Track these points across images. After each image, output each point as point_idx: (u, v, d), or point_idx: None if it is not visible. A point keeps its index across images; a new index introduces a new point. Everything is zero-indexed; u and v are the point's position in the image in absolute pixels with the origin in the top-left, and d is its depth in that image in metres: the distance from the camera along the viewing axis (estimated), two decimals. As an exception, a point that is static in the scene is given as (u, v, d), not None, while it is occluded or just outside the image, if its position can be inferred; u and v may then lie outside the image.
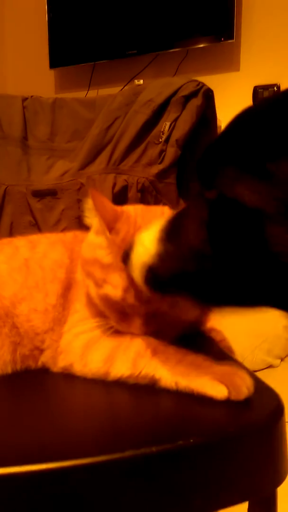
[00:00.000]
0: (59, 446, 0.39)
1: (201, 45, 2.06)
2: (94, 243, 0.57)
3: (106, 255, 0.55)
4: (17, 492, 0.35)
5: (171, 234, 0.42)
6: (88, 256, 0.57)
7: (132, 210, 0.59)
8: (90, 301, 0.59)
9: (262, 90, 2.02)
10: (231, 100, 1.98)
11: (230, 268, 0.37)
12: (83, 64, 2.19)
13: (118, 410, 0.49)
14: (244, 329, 1.71)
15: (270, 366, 1.72)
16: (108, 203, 0.57)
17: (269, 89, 2.05)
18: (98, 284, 0.54)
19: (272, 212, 0.31)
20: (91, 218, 0.57)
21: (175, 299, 0.53)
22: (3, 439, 0.40)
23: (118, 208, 0.58)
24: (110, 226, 0.55)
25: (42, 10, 2.20)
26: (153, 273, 0.43)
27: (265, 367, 1.73)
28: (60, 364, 0.57)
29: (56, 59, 2.23)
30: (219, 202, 0.35)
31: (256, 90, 2.05)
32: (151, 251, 0.43)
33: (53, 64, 2.23)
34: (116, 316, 0.54)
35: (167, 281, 0.43)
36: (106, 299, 0.54)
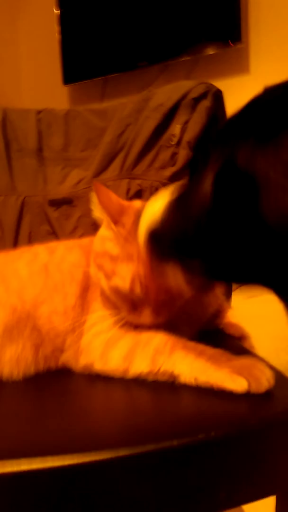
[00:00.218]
0: (83, 440, 0.39)
1: (210, 51, 2.07)
2: (104, 236, 0.58)
3: (113, 247, 0.56)
4: (42, 485, 0.35)
5: (177, 204, 0.43)
6: (99, 249, 0.58)
7: (139, 203, 0.60)
8: (103, 294, 0.60)
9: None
10: (242, 103, 1.98)
11: (228, 241, 0.37)
12: (95, 79, 2.23)
13: (139, 406, 0.49)
14: (268, 331, 1.68)
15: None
16: (114, 197, 0.58)
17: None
18: (108, 276, 0.55)
19: (273, 179, 0.31)
20: (99, 212, 0.58)
21: (180, 288, 0.53)
22: (30, 435, 0.41)
23: (125, 202, 0.59)
24: (115, 219, 0.56)
25: (53, 30, 2.26)
26: (156, 238, 0.44)
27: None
28: (81, 363, 0.58)
29: (69, 76, 2.28)
30: (223, 174, 0.36)
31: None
32: (157, 217, 0.44)
33: (67, 80, 2.28)
34: (127, 307, 0.55)
35: (167, 248, 0.43)
36: (116, 291, 0.55)
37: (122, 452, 0.36)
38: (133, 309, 0.56)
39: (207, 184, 0.37)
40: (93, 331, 0.59)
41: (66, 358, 0.61)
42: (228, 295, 0.89)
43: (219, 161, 0.36)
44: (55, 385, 0.56)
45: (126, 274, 0.54)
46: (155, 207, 0.45)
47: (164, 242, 0.44)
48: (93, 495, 0.36)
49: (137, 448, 0.37)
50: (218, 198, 0.36)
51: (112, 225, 0.55)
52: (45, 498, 0.35)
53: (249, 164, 0.33)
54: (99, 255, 0.58)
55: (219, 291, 0.67)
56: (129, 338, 0.55)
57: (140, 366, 0.52)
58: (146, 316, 0.55)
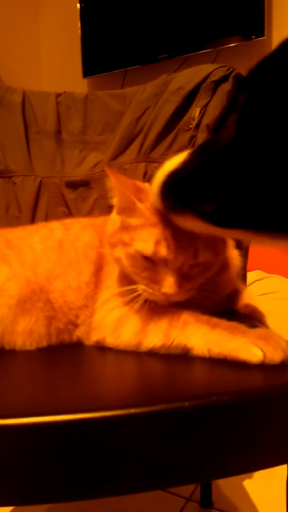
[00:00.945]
0: (94, 400, 0.40)
1: (232, 44, 2.05)
2: (116, 220, 0.58)
3: (132, 219, 0.55)
4: (54, 439, 0.36)
5: (195, 152, 0.42)
6: (113, 229, 0.58)
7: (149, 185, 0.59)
8: (120, 271, 0.60)
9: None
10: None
11: (252, 174, 0.36)
12: (115, 71, 2.24)
13: (151, 372, 0.49)
14: (280, 329, 1.66)
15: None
16: (128, 179, 0.57)
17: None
18: (127, 244, 0.54)
19: None
20: (114, 196, 0.57)
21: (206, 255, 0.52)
22: (43, 395, 0.42)
23: (139, 182, 0.59)
24: (133, 194, 0.55)
25: (75, 24, 2.28)
26: (171, 187, 0.43)
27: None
28: (93, 339, 0.58)
29: (89, 68, 2.30)
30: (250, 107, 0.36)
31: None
32: (175, 164, 0.43)
33: (86, 73, 2.29)
34: (147, 277, 0.54)
35: (183, 197, 0.42)
36: (136, 258, 0.54)
37: (133, 411, 0.36)
38: (154, 279, 0.53)
39: (230, 123, 0.37)
40: (106, 308, 0.58)
41: (79, 333, 0.61)
42: (244, 276, 0.88)
43: (242, 97, 0.36)
44: (68, 353, 0.56)
45: (149, 237, 0.52)
46: (172, 162, 0.44)
47: (180, 191, 0.43)
48: (102, 452, 0.36)
49: (148, 407, 0.36)
50: (243, 129, 0.35)
51: (134, 198, 0.55)
52: (57, 452, 0.35)
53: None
54: (114, 233, 0.57)
55: (233, 272, 0.66)
56: (141, 313, 0.55)
57: (153, 340, 0.51)
58: (168, 284, 0.51)
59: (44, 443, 0.35)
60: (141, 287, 0.54)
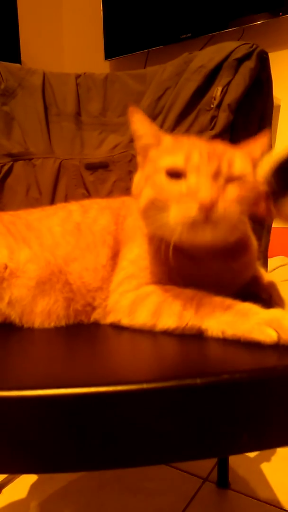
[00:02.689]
0: (108, 375, 0.40)
1: (258, 22, 1.98)
2: (139, 176, 0.58)
3: (160, 147, 0.55)
4: (73, 411, 0.37)
5: None
6: (137, 182, 0.57)
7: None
8: (141, 250, 0.59)
9: None
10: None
11: None
12: (137, 53, 2.20)
13: (165, 349, 0.49)
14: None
15: None
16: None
17: None
18: (153, 173, 0.52)
19: None
20: (137, 139, 0.57)
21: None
22: (60, 370, 0.43)
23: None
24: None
25: (97, 4, 2.25)
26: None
27: None
28: (109, 320, 0.59)
29: (111, 50, 2.27)
30: None
31: None
32: None
33: (108, 55, 2.27)
34: (179, 197, 0.48)
35: None
36: (165, 184, 0.50)
37: (146, 386, 0.36)
38: (188, 194, 0.47)
39: None
40: (120, 290, 0.59)
41: (97, 315, 0.62)
42: (265, 260, 0.86)
43: None
44: (84, 332, 0.57)
45: (178, 150, 0.50)
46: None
47: None
48: (116, 425, 0.36)
49: (160, 383, 0.37)
50: None
51: (157, 129, 0.56)
52: (72, 424, 0.37)
53: None
54: (139, 183, 0.56)
55: (254, 255, 0.64)
56: (156, 295, 0.55)
57: (167, 322, 0.51)
58: (205, 190, 0.46)
59: (60, 415, 0.36)
60: (173, 211, 0.48)
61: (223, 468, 1.03)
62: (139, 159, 0.57)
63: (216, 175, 0.48)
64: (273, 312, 0.46)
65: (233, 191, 0.49)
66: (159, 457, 0.38)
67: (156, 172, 0.51)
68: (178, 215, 0.47)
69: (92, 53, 2.35)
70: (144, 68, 2.21)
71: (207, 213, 0.46)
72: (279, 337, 0.43)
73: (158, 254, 0.53)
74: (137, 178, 0.57)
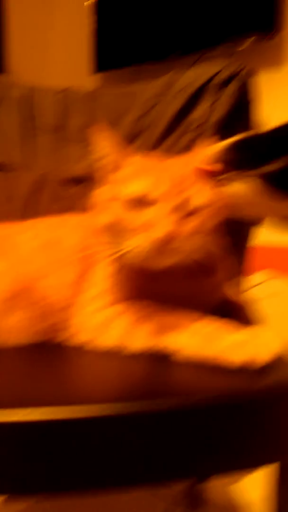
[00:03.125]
0: (75, 395, 0.40)
1: (247, 44, 2.03)
2: (102, 190, 0.57)
3: (124, 170, 0.54)
4: (31, 436, 0.36)
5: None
6: (99, 199, 0.56)
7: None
8: (104, 273, 0.58)
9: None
10: (277, 97, 1.93)
11: None
12: (127, 67, 2.22)
13: (134, 369, 0.48)
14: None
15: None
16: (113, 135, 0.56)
17: None
18: (116, 197, 0.52)
19: None
20: (100, 157, 0.57)
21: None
22: (23, 390, 0.43)
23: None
24: (123, 150, 0.56)
25: (87, 17, 2.27)
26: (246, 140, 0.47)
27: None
28: (78, 341, 0.58)
29: (102, 63, 2.29)
30: None
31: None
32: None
33: (99, 68, 2.28)
34: (140, 226, 0.49)
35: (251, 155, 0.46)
36: (125, 210, 0.50)
37: (112, 408, 0.36)
38: (148, 224, 0.48)
39: None
40: (89, 309, 0.58)
41: (64, 335, 0.60)
42: (242, 280, 0.86)
43: None
44: (51, 351, 0.56)
45: (143, 178, 0.50)
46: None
47: (251, 149, 0.46)
48: (76, 449, 0.36)
49: (129, 404, 0.36)
50: None
51: (122, 151, 0.55)
52: (35, 448, 0.36)
53: None
54: (101, 200, 0.56)
55: (224, 278, 0.64)
56: (125, 316, 0.54)
57: (138, 344, 0.51)
58: (166, 222, 0.47)
59: (27, 439, 0.36)
60: (132, 239, 0.49)
61: (193, 489, 1.02)
62: (101, 175, 0.57)
63: (177, 208, 0.49)
64: (242, 335, 0.46)
65: (193, 223, 0.50)
66: (122, 481, 0.38)
67: (117, 196, 0.51)
68: (135, 243, 0.49)
69: (81, 66, 2.36)
70: (134, 83, 2.23)
71: (164, 247, 0.47)
72: (249, 359, 0.43)
73: (122, 273, 0.54)
74: (99, 194, 0.57)
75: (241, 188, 0.48)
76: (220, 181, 0.50)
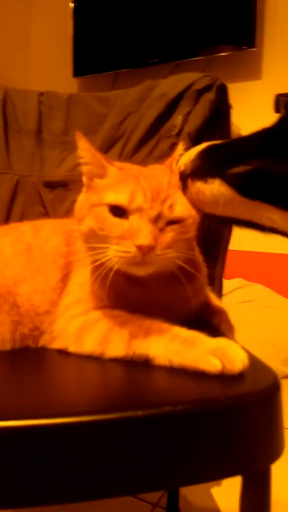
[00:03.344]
0: (50, 406, 0.40)
1: (223, 54, 2.08)
2: (84, 196, 0.57)
3: (105, 179, 0.55)
4: (15, 444, 0.36)
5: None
6: (81, 205, 0.56)
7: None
8: (86, 278, 0.59)
9: (284, 98, 2.02)
10: (252, 108, 1.99)
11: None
12: (105, 73, 2.24)
13: (111, 378, 0.49)
14: (259, 338, 1.67)
15: (287, 376, 1.67)
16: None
17: (291, 97, 2.04)
18: (96, 204, 0.53)
19: None
20: (83, 163, 0.57)
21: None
22: (2, 401, 0.41)
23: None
24: (105, 159, 0.56)
25: (66, 22, 2.27)
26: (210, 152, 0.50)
27: (282, 377, 1.67)
28: (56, 347, 0.57)
29: (80, 68, 2.30)
30: None
31: (278, 99, 2.05)
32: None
33: (77, 72, 2.29)
34: (118, 236, 0.50)
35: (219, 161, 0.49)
36: (106, 219, 0.51)
37: (86, 418, 0.36)
38: (127, 235, 0.49)
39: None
40: (67, 315, 0.58)
41: (44, 341, 0.60)
42: (220, 287, 0.88)
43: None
44: (30, 357, 0.56)
45: (123, 189, 0.50)
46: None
47: (217, 155, 0.48)
48: (56, 458, 0.36)
49: (102, 415, 0.36)
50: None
51: (103, 159, 0.54)
52: (15, 458, 0.36)
53: None
54: (83, 207, 0.56)
55: (203, 281, 0.65)
56: (104, 322, 0.54)
57: (115, 350, 0.51)
58: (144, 235, 0.47)
59: (2, 449, 0.35)
60: (112, 248, 0.50)
61: (173, 494, 1.02)
62: (84, 180, 0.57)
63: (157, 218, 0.50)
64: (219, 342, 0.47)
65: (172, 233, 0.51)
66: (99, 492, 0.37)
67: (99, 204, 0.52)
68: (116, 251, 0.50)
69: (59, 71, 2.36)
70: (112, 89, 2.25)
71: (144, 256, 0.48)
72: (223, 366, 0.44)
73: (102, 280, 0.54)
74: (81, 200, 0.57)
75: (210, 193, 0.51)
76: (191, 187, 0.52)
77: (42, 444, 0.36)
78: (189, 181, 0.53)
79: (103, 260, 0.51)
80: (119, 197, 0.50)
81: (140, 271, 0.51)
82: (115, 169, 0.55)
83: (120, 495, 0.37)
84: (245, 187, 0.47)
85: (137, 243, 0.48)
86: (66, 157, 1.00)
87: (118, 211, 0.50)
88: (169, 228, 0.51)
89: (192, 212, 0.53)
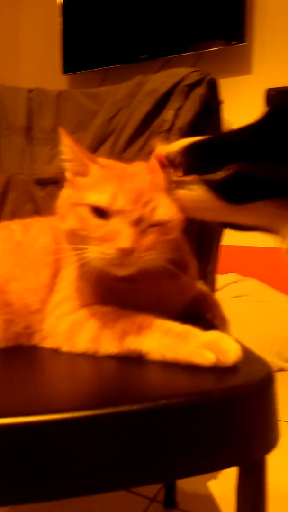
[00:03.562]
0: (44, 402, 0.40)
1: (213, 49, 2.08)
2: (66, 192, 0.57)
3: (88, 178, 0.54)
4: (7, 440, 0.35)
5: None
6: (62, 201, 0.56)
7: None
8: (75, 275, 0.59)
9: (274, 93, 2.02)
10: (243, 103, 1.99)
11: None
12: (95, 69, 2.23)
13: (104, 373, 0.49)
14: (253, 332, 1.68)
15: (281, 370, 1.68)
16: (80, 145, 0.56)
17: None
18: (78, 204, 0.52)
19: None
20: (66, 160, 0.57)
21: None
22: None
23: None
24: (88, 157, 0.55)
25: (55, 19, 2.26)
26: (193, 151, 0.50)
27: (276, 370, 1.69)
28: (47, 346, 0.57)
29: (69, 65, 2.28)
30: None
31: (268, 93, 2.05)
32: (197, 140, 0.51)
33: (67, 69, 2.28)
34: (99, 237, 0.50)
35: (203, 160, 0.49)
36: (87, 219, 0.50)
37: (81, 414, 0.36)
38: (108, 237, 0.49)
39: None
40: (57, 313, 0.57)
41: (36, 340, 0.60)
42: (213, 281, 0.88)
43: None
44: (23, 355, 0.56)
45: (105, 189, 0.50)
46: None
47: (201, 155, 0.48)
48: (48, 455, 0.36)
49: (96, 410, 0.36)
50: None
51: (85, 157, 0.54)
52: (7, 454, 0.36)
53: None
54: (65, 204, 0.55)
55: (193, 275, 0.65)
56: (95, 320, 0.53)
57: (109, 348, 0.51)
58: (124, 238, 0.47)
59: None
60: (92, 249, 0.49)
61: (170, 488, 1.03)
62: (68, 175, 0.57)
63: (139, 221, 0.50)
64: (212, 335, 0.47)
65: (153, 235, 0.51)
66: (96, 487, 0.37)
67: (81, 203, 0.51)
68: (96, 252, 0.49)
69: (49, 68, 2.34)
70: (102, 85, 2.24)
71: (124, 258, 0.48)
72: (217, 359, 0.44)
73: (87, 278, 0.54)
74: (63, 196, 0.56)
75: (191, 194, 0.51)
76: (173, 186, 0.52)
77: (36, 441, 0.36)
78: (172, 188, 0.52)
79: (84, 261, 0.51)
80: (101, 198, 0.49)
81: (120, 272, 0.51)
82: (97, 167, 0.54)
83: (116, 489, 0.37)
84: (226, 192, 0.47)
85: (117, 246, 0.48)
86: (57, 154, 0.99)
87: (99, 212, 0.50)
88: (151, 230, 0.51)
89: (176, 214, 0.53)
